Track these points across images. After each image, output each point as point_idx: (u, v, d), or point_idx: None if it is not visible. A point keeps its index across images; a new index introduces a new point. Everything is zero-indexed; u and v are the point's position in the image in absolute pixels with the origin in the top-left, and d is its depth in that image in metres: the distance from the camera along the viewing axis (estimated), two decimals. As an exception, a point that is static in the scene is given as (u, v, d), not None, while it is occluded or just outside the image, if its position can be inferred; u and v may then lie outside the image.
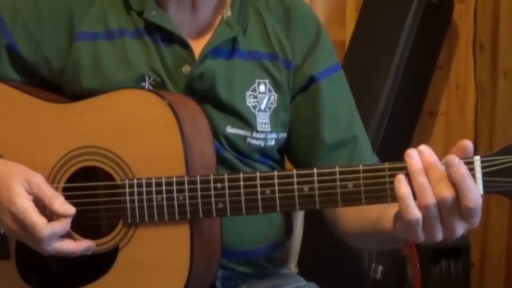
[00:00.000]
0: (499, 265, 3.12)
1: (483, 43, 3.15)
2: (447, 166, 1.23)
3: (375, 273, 2.70)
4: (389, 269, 2.72)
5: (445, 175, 1.24)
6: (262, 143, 1.59)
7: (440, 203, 1.23)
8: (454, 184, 1.23)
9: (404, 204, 1.25)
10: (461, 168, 1.22)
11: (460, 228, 1.26)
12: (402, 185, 1.25)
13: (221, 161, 1.54)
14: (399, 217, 1.28)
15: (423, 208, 1.24)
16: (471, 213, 1.24)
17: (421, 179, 1.24)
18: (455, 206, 1.24)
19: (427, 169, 1.24)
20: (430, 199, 1.23)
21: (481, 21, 3.15)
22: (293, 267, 1.91)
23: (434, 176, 1.24)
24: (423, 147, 1.26)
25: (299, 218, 1.91)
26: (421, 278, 2.80)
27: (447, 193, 1.23)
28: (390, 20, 3.00)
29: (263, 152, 1.61)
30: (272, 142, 1.61)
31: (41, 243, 1.40)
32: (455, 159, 1.22)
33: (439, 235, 1.27)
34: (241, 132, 1.58)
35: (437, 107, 3.30)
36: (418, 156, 1.25)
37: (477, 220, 1.26)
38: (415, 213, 1.24)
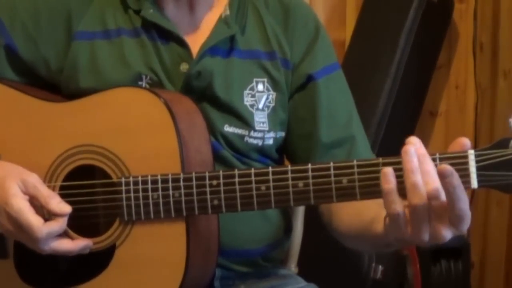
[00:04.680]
0: (499, 265, 3.11)
1: (483, 43, 3.15)
2: (441, 176, 1.21)
3: (375, 273, 2.70)
4: (389, 269, 2.72)
5: (434, 168, 1.23)
6: (260, 142, 1.59)
7: (431, 197, 1.22)
8: (445, 192, 1.22)
9: (387, 198, 1.24)
10: (454, 179, 1.21)
11: (447, 233, 1.25)
12: (387, 179, 1.24)
13: (219, 160, 1.54)
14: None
15: (413, 207, 1.23)
16: (460, 220, 1.23)
17: (415, 178, 1.22)
18: (445, 214, 1.23)
19: (421, 173, 1.23)
20: (420, 199, 1.22)
21: (481, 21, 3.14)
22: (293, 267, 1.91)
23: (424, 169, 1.23)
24: (413, 139, 1.25)
25: (299, 218, 1.90)
26: (421, 278, 2.79)
27: (438, 185, 1.22)
28: (390, 20, 3.00)
29: (261, 151, 1.61)
30: (270, 141, 1.61)
31: (38, 243, 1.40)
32: (448, 169, 1.21)
33: (425, 236, 1.25)
34: (239, 131, 1.58)
35: (437, 107, 3.30)
36: (416, 155, 1.24)
37: (465, 227, 1.25)
38: (397, 208, 1.24)
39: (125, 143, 1.44)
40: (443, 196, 1.22)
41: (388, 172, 1.24)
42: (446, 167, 1.21)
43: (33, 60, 1.60)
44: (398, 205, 1.24)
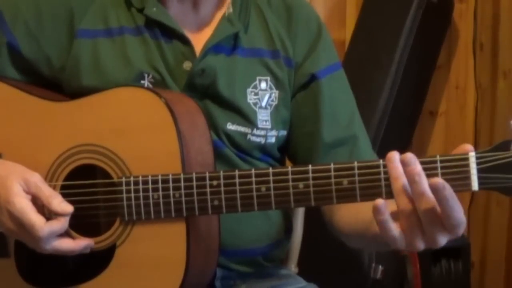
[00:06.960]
0: (499, 264, 3.12)
1: (483, 43, 3.15)
2: (434, 190, 1.21)
3: (375, 273, 2.70)
4: (389, 269, 2.72)
5: (426, 189, 1.22)
6: (262, 140, 1.60)
7: (421, 215, 1.23)
8: (439, 204, 1.22)
9: (382, 228, 1.26)
10: (446, 191, 1.21)
11: (442, 239, 1.26)
12: (380, 211, 1.24)
13: (221, 158, 1.54)
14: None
15: (401, 213, 1.24)
16: (455, 227, 1.24)
17: (398, 185, 1.24)
18: (437, 220, 1.23)
19: (410, 182, 1.23)
20: (406, 205, 1.23)
21: (481, 21, 3.15)
22: (293, 267, 1.91)
23: (415, 190, 1.23)
24: (408, 157, 1.24)
25: (299, 218, 1.91)
26: (421, 278, 2.79)
27: (427, 207, 1.22)
28: (390, 20, 3.00)
29: (264, 150, 1.62)
30: (273, 140, 1.61)
31: (40, 242, 1.40)
32: (440, 183, 1.20)
33: (420, 245, 1.26)
34: (242, 129, 1.58)
35: (437, 107, 3.30)
36: (398, 161, 1.24)
37: (460, 232, 1.25)
38: (394, 233, 1.25)
39: (126, 143, 1.44)
40: (429, 194, 1.22)
41: (380, 205, 1.24)
42: (438, 180, 1.20)
43: (35, 58, 1.60)
44: (395, 231, 1.26)
